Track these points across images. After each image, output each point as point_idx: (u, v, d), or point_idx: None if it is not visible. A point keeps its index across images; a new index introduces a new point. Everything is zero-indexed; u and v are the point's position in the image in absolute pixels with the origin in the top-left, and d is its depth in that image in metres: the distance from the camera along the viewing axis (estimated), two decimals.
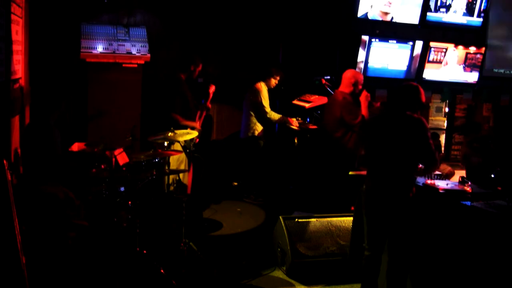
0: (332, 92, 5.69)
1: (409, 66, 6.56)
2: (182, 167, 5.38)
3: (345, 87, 5.35)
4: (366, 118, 5.14)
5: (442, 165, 6.16)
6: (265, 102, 6.34)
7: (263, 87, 6.38)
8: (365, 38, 6.22)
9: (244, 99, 6.56)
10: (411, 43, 6.45)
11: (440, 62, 6.70)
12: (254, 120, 6.42)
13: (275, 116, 6.36)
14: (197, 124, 5.43)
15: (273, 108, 6.48)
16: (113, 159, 4.71)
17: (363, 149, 3.88)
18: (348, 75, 5.36)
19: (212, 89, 5.62)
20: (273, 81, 6.44)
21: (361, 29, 6.32)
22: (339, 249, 4.47)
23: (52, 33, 5.96)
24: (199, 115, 5.54)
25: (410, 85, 3.75)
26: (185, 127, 5.27)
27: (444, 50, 6.66)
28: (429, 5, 6.48)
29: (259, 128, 6.44)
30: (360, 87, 5.35)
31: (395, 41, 6.38)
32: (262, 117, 6.37)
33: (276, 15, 7.02)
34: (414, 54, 6.52)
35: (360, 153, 4.80)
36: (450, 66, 6.77)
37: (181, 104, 5.31)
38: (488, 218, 3.45)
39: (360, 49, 6.24)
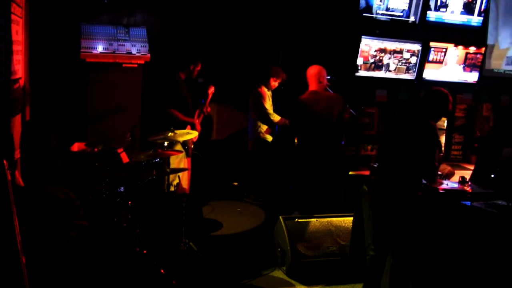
0: (332, 92, 5.68)
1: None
2: (182, 165, 5.39)
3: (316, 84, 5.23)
4: None
5: (442, 165, 6.14)
6: (268, 105, 6.36)
7: (265, 91, 6.40)
8: (365, 38, 6.22)
9: (249, 101, 6.59)
10: (410, 43, 6.45)
11: (440, 62, 6.69)
12: (259, 123, 6.45)
13: (276, 118, 6.38)
14: (196, 122, 5.45)
15: (273, 108, 6.49)
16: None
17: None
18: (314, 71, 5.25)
19: (211, 90, 5.65)
20: (273, 83, 6.45)
21: (361, 29, 6.32)
22: (339, 249, 4.47)
23: (52, 33, 5.96)
24: (198, 114, 5.56)
25: (441, 92, 3.69)
26: (184, 123, 5.28)
27: (444, 50, 6.66)
28: (429, 5, 6.48)
29: (264, 127, 6.47)
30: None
31: (395, 42, 6.38)
32: (265, 119, 6.40)
33: (276, 15, 7.02)
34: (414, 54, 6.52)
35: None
36: (450, 66, 6.76)
37: (178, 101, 5.32)
38: (488, 218, 3.45)
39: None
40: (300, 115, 5.24)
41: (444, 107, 3.66)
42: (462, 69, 6.84)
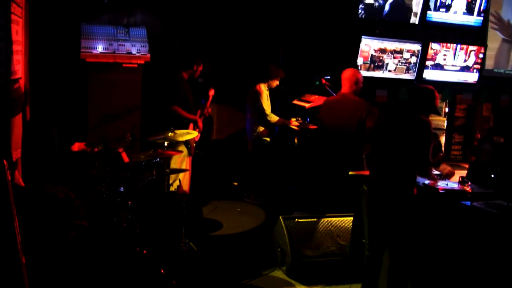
0: (332, 92, 5.68)
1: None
2: (184, 164, 5.39)
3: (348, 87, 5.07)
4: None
5: (442, 165, 6.16)
6: (265, 104, 6.33)
7: (263, 89, 6.38)
8: (365, 38, 6.23)
9: (247, 100, 6.57)
10: (410, 43, 6.46)
11: (440, 62, 6.70)
12: (256, 123, 6.43)
13: (274, 118, 6.36)
14: (199, 120, 5.48)
15: (273, 108, 6.48)
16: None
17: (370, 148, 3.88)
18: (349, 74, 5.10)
19: (212, 92, 5.68)
20: (273, 83, 6.44)
21: (361, 29, 6.32)
22: (339, 249, 4.47)
23: (52, 33, 5.96)
24: (199, 114, 5.57)
25: (426, 89, 3.70)
26: (186, 121, 5.29)
27: (445, 50, 6.67)
28: (429, 5, 6.49)
29: (261, 129, 6.45)
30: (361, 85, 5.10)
31: (395, 42, 6.39)
32: (262, 119, 6.37)
33: (276, 15, 7.02)
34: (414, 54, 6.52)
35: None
36: (450, 66, 6.77)
37: (182, 99, 5.34)
38: (488, 218, 3.45)
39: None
40: (322, 116, 5.21)
41: (432, 103, 3.66)
42: (462, 69, 6.85)
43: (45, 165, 4.00)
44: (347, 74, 5.06)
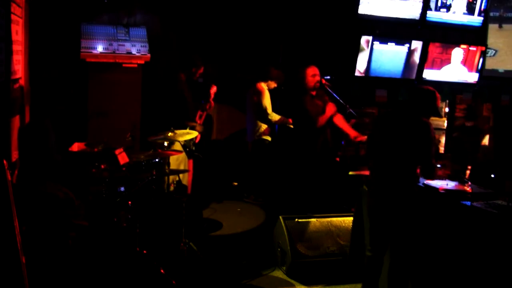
0: (332, 92, 5.69)
1: (409, 66, 6.56)
2: (182, 167, 5.39)
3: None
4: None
5: None
6: (267, 103, 6.32)
7: (264, 88, 6.36)
8: (365, 38, 6.22)
9: (247, 100, 6.55)
10: (407, 44, 6.45)
11: (440, 62, 6.70)
12: (259, 123, 6.40)
13: (275, 117, 6.34)
14: (199, 123, 5.47)
15: (273, 108, 6.47)
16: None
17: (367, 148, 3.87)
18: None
19: (213, 89, 5.67)
20: (272, 84, 6.43)
21: (361, 29, 6.32)
22: (339, 249, 4.47)
23: (52, 33, 5.96)
24: (199, 115, 5.57)
25: (427, 90, 3.67)
26: (185, 126, 5.29)
27: (444, 50, 6.66)
28: (429, 5, 6.48)
29: (264, 126, 6.42)
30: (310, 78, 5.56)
31: (394, 43, 6.39)
32: (264, 118, 6.36)
33: (277, 15, 7.02)
34: (414, 54, 6.51)
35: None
36: (450, 66, 6.76)
37: (180, 104, 5.33)
38: (488, 218, 3.45)
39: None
40: None
41: (432, 105, 3.64)
42: (462, 69, 6.85)
43: (41, 167, 3.99)
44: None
